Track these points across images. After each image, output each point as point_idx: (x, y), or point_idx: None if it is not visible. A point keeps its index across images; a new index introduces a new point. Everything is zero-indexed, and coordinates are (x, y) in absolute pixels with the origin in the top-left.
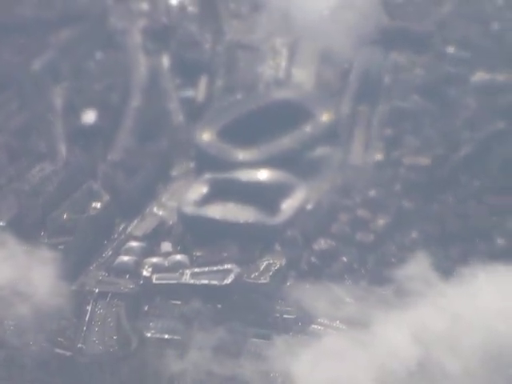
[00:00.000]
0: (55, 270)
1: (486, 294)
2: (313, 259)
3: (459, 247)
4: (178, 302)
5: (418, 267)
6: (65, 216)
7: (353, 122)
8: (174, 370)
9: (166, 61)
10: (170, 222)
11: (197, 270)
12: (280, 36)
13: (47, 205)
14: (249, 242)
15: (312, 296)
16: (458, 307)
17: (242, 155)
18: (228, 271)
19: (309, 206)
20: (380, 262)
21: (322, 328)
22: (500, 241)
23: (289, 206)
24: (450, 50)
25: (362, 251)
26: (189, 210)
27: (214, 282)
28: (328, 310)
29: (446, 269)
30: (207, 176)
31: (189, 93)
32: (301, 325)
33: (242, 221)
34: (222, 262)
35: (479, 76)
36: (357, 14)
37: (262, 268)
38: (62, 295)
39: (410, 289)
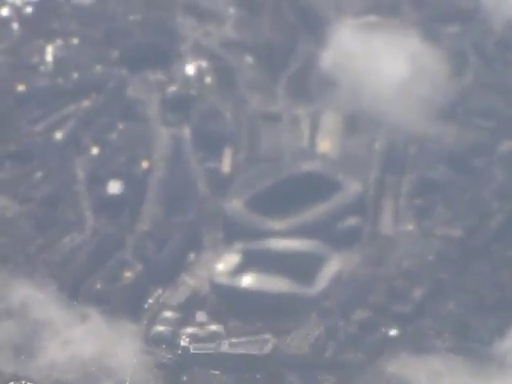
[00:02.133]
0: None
1: None
2: (351, 329)
3: (498, 317)
4: (217, 372)
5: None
6: (98, 286)
7: (381, 192)
8: None
9: (187, 132)
10: (203, 292)
11: (234, 340)
12: (301, 106)
13: (79, 275)
14: (284, 312)
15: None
16: None
17: (271, 225)
18: (265, 341)
19: (343, 277)
20: (418, 334)
21: None
22: None
23: (323, 276)
24: (475, 119)
25: (400, 322)
26: (222, 280)
27: (253, 352)
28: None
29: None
30: (238, 246)
31: (213, 164)
32: None
33: (276, 291)
34: (258, 333)
35: (506, 145)
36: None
37: (299, 338)
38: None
39: None
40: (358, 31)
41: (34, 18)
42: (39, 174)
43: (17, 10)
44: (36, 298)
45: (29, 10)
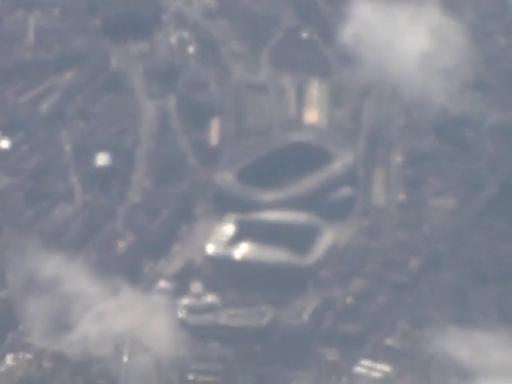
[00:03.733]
0: None
1: None
2: (348, 300)
3: (495, 288)
4: (216, 344)
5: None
6: (92, 256)
7: (371, 163)
8: None
9: (172, 103)
10: (198, 263)
11: (232, 312)
12: (287, 75)
13: (73, 246)
14: (281, 283)
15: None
16: None
17: (263, 196)
18: (263, 313)
19: (338, 247)
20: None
21: (366, 370)
22: None
23: (319, 246)
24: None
25: (397, 292)
26: (217, 250)
27: (252, 325)
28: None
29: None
30: (231, 217)
31: (201, 135)
32: (344, 367)
33: (273, 262)
34: (255, 304)
35: (495, 117)
36: None
37: (297, 309)
38: None
39: None
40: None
41: None
42: (26, 147)
43: None
44: (65, 271)
45: None
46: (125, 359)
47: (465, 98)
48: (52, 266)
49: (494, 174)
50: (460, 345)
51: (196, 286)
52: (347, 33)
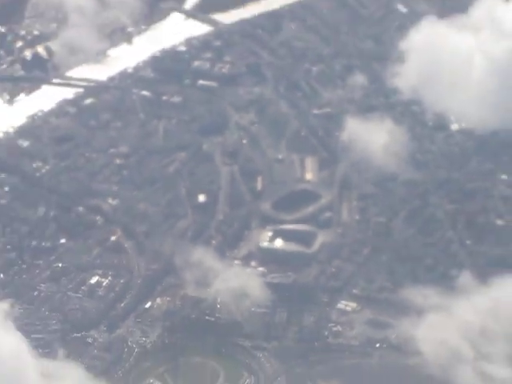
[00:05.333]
0: None
1: None
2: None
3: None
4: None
5: None
6: None
7: (341, 200)
8: None
9: (237, 168)
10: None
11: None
12: (295, 154)
13: None
14: (298, 261)
15: None
16: None
17: (285, 216)
18: (288, 276)
19: (330, 242)
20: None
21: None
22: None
23: (316, 242)
24: None
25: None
26: (265, 244)
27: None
28: None
29: None
30: (272, 227)
31: (253, 185)
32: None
33: (291, 250)
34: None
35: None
36: None
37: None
38: None
39: None
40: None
41: None
42: None
43: None
44: None
45: None
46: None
47: None
48: None
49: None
50: None
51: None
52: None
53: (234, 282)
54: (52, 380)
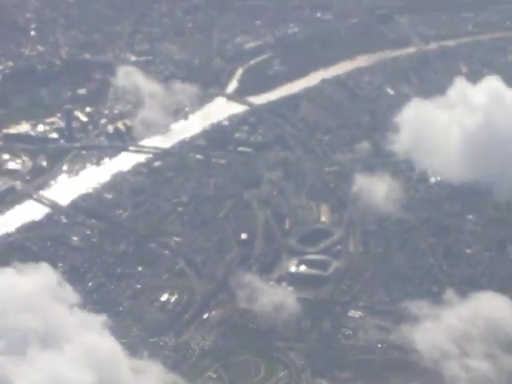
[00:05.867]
0: None
1: None
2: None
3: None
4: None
5: None
6: None
7: (348, 235)
8: None
9: (269, 212)
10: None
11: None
12: (314, 207)
13: None
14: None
15: None
16: None
17: (307, 249)
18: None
19: (342, 268)
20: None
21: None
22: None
23: (331, 267)
24: None
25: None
26: (294, 270)
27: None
28: None
29: None
30: (298, 256)
31: (282, 226)
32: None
33: (312, 273)
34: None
35: None
36: None
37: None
38: None
39: None
40: None
41: None
42: None
43: None
44: None
45: None
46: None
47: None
48: None
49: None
50: None
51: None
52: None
53: (271, 298)
54: (140, 373)
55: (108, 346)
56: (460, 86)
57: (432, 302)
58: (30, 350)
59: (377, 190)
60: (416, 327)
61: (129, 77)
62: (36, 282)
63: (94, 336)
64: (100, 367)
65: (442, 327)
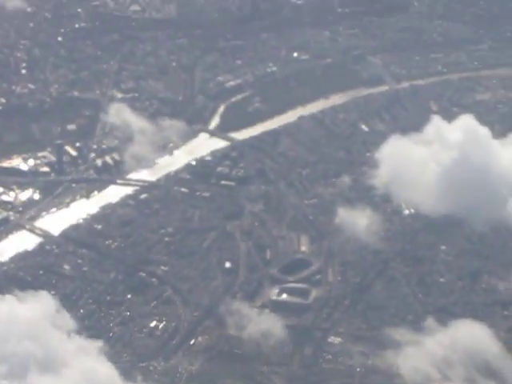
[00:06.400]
0: None
1: None
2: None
3: None
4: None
5: None
6: None
7: (326, 265)
8: None
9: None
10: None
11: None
12: (295, 234)
13: None
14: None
15: None
16: None
17: (288, 277)
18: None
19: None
20: None
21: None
22: None
23: (310, 296)
24: None
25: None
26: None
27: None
28: None
29: None
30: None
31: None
32: None
33: (297, 302)
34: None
35: None
36: None
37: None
38: None
39: None
40: None
41: None
42: None
43: None
44: None
45: None
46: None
47: None
48: None
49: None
50: None
51: None
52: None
53: (258, 325)
54: None
55: (105, 370)
56: (435, 124)
57: (411, 329)
58: (30, 374)
59: (356, 221)
60: (396, 353)
61: (117, 113)
62: (35, 309)
63: (91, 361)
64: None
65: (422, 353)
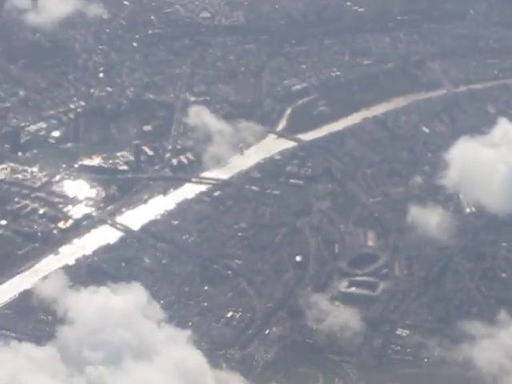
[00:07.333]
0: None
1: None
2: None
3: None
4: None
5: None
6: None
7: (393, 258)
8: None
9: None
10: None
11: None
12: (361, 230)
13: None
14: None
15: None
16: None
17: (357, 271)
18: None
19: (388, 288)
20: None
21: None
22: None
23: (379, 288)
24: None
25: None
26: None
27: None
28: None
29: None
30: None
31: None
32: None
33: (362, 293)
34: None
35: None
36: None
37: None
38: None
39: None
40: None
41: None
42: None
43: None
44: None
45: None
46: None
47: None
48: None
49: None
50: None
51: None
52: None
53: (326, 316)
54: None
55: (194, 358)
56: (502, 126)
57: (484, 322)
58: (124, 361)
59: (427, 219)
60: (470, 345)
61: (197, 115)
62: (128, 300)
63: (180, 349)
64: (188, 377)
65: (497, 345)
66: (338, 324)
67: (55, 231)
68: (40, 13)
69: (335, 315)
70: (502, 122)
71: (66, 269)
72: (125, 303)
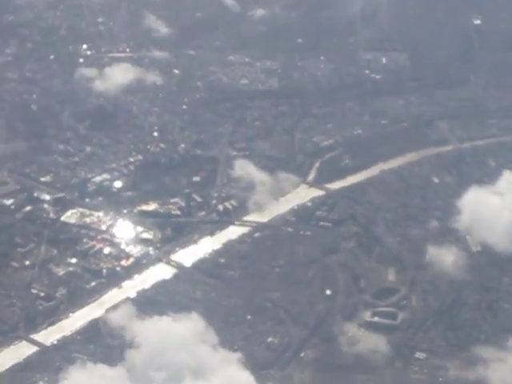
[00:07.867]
0: None
1: None
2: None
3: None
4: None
5: None
6: None
7: (411, 289)
8: None
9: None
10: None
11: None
12: (384, 268)
13: None
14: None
15: None
16: None
17: (375, 301)
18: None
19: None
20: None
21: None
22: None
23: (398, 317)
24: None
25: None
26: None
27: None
28: None
29: None
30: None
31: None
32: None
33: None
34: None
35: None
36: None
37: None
38: None
39: None
40: None
41: None
42: None
43: None
44: None
45: None
46: None
47: None
48: None
49: None
50: None
51: None
52: None
53: (355, 341)
54: None
55: (245, 377)
56: (507, 178)
57: (496, 347)
58: (184, 380)
59: (439, 257)
60: (479, 367)
61: (242, 167)
62: (188, 328)
63: (233, 369)
64: None
65: (508, 367)
66: (365, 348)
67: (118, 268)
68: (105, 80)
69: (363, 341)
70: (506, 174)
71: (129, 301)
72: (184, 330)
